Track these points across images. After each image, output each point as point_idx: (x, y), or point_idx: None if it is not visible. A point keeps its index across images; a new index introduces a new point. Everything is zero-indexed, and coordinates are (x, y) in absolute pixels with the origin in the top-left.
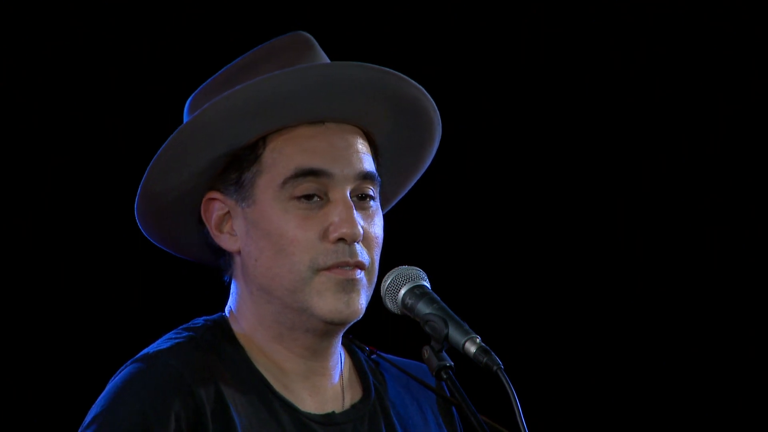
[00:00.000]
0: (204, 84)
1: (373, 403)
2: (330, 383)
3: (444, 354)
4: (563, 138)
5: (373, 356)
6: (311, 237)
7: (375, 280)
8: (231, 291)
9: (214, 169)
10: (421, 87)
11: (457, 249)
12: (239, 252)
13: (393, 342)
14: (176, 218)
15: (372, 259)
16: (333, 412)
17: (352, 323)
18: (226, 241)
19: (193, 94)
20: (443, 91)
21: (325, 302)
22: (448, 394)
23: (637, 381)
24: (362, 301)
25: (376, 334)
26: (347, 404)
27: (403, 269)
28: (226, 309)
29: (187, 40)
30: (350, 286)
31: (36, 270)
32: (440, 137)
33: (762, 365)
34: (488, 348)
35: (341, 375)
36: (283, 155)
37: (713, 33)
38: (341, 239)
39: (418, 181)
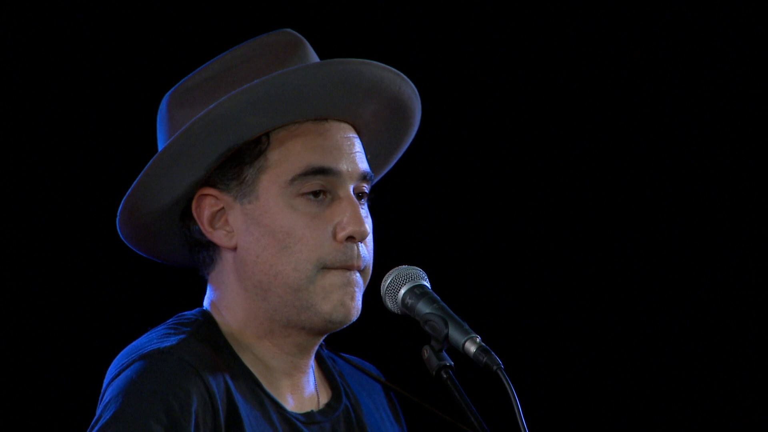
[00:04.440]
0: (185, 79)
1: (344, 404)
2: (307, 381)
3: (444, 354)
4: (562, 137)
5: (326, 351)
6: (319, 236)
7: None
8: (211, 287)
9: (211, 165)
10: (414, 87)
11: (457, 249)
12: (234, 248)
13: (393, 342)
14: (161, 219)
15: (369, 261)
16: (312, 411)
17: (348, 324)
18: (220, 238)
19: (171, 90)
20: (443, 90)
21: (330, 302)
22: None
23: (636, 381)
24: (360, 302)
25: (376, 335)
26: (322, 403)
27: (403, 269)
28: (206, 304)
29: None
30: (352, 287)
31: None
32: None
33: (762, 365)
34: (488, 348)
35: (314, 373)
36: (292, 152)
37: (713, 33)
38: (350, 237)
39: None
